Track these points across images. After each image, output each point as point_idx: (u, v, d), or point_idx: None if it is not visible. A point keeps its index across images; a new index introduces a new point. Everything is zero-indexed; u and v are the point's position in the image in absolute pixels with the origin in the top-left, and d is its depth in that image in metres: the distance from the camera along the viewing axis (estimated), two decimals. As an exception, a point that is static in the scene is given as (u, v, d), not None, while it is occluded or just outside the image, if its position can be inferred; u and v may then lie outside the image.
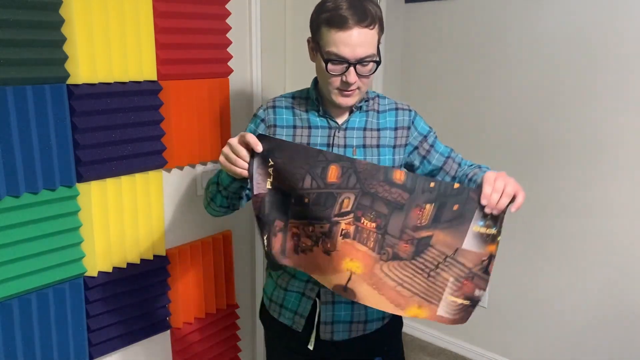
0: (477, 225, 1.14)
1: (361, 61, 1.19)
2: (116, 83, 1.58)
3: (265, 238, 1.20)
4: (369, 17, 1.17)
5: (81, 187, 1.56)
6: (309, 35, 1.30)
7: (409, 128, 1.36)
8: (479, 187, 1.14)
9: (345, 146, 1.32)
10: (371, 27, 1.18)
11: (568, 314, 2.36)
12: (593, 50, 2.14)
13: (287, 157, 1.14)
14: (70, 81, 1.49)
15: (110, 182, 1.61)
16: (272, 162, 1.15)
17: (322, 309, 1.35)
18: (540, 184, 2.36)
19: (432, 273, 1.16)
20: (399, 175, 1.14)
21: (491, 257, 1.15)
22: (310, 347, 1.36)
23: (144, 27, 1.63)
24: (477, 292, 1.16)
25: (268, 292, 1.46)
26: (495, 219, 1.13)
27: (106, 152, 1.59)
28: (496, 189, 1.12)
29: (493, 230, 1.14)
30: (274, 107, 1.37)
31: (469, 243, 1.15)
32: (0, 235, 1.40)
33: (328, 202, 1.14)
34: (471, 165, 1.38)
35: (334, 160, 1.15)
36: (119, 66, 1.58)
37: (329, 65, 1.20)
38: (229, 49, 1.92)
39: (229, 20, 1.89)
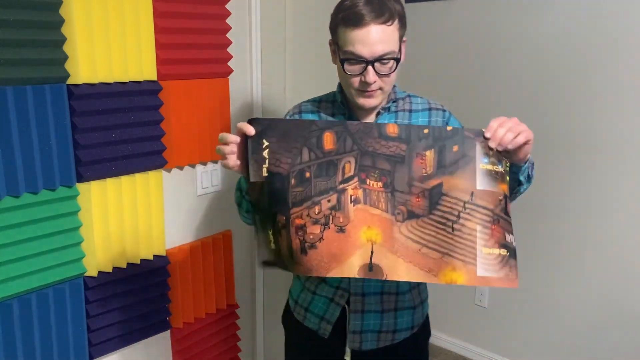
0: (482, 163, 1.10)
1: (380, 59, 1.15)
2: (116, 83, 1.58)
3: (270, 233, 1.14)
4: (386, 12, 1.13)
5: (81, 187, 1.56)
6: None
7: None
8: (475, 129, 1.14)
9: None
10: (389, 23, 1.14)
11: (568, 314, 2.36)
12: (594, 50, 2.14)
13: (280, 134, 1.12)
14: (70, 81, 1.49)
15: (110, 182, 1.61)
16: (266, 143, 1.12)
17: (352, 318, 1.33)
18: (540, 184, 2.36)
19: (455, 225, 1.09)
20: (392, 128, 1.13)
21: (506, 197, 1.11)
22: (347, 358, 1.35)
23: (144, 27, 1.63)
24: (508, 238, 1.09)
25: (294, 294, 1.43)
26: (499, 157, 1.10)
27: (106, 152, 1.59)
28: (502, 124, 1.10)
29: (500, 168, 1.10)
30: (300, 112, 1.34)
31: (482, 182, 1.10)
32: (0, 235, 1.40)
33: (330, 170, 1.12)
34: None
35: (326, 127, 1.13)
36: (119, 66, 1.58)
37: (346, 65, 1.17)
38: (229, 49, 1.92)
39: (229, 20, 1.89)
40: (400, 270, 1.10)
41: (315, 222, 1.12)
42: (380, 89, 1.21)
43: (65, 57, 1.46)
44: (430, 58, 2.61)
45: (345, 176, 1.12)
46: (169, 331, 1.93)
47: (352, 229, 1.11)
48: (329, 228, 1.11)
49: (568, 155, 2.26)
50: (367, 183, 1.12)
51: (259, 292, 2.30)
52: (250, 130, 1.10)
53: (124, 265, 1.70)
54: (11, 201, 1.41)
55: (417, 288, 1.39)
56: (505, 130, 1.09)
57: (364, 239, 1.11)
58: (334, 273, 1.11)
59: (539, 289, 2.44)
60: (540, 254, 2.41)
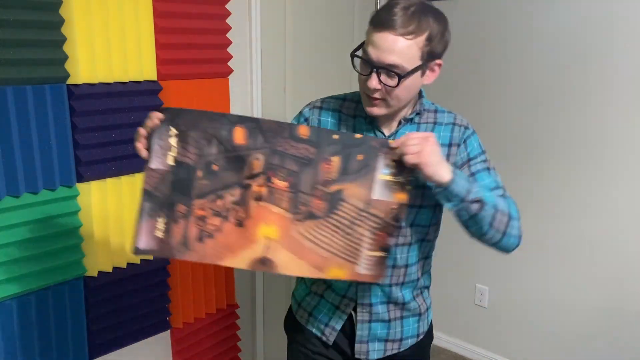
0: (382, 174, 1.14)
1: (386, 69, 1.11)
2: (116, 83, 1.58)
3: (162, 222, 1.14)
4: (412, 25, 1.08)
5: (81, 187, 1.56)
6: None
7: (459, 145, 1.24)
8: (382, 139, 1.18)
9: None
10: (410, 36, 1.09)
11: (568, 314, 2.36)
12: (594, 49, 2.14)
13: (190, 124, 1.12)
14: (70, 81, 1.49)
15: (110, 182, 1.61)
16: (175, 131, 1.12)
17: (358, 327, 1.32)
18: (540, 184, 2.36)
19: (348, 230, 1.16)
20: (304, 131, 1.15)
21: (402, 206, 1.15)
22: None
23: (144, 27, 1.63)
24: (389, 241, 1.16)
25: (298, 297, 1.42)
26: (401, 168, 1.13)
27: (106, 152, 1.59)
28: (409, 139, 1.10)
29: (400, 179, 1.14)
30: (320, 107, 1.32)
31: (378, 192, 1.15)
32: (0, 235, 1.40)
33: (238, 165, 1.13)
34: None
35: (238, 121, 1.13)
36: (119, 66, 1.58)
37: (355, 60, 1.14)
38: (229, 49, 1.92)
39: (229, 20, 1.89)
40: (291, 266, 1.16)
41: (217, 214, 1.14)
42: (384, 100, 1.16)
43: (65, 57, 1.46)
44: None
45: (253, 172, 1.14)
46: (169, 331, 1.93)
47: (250, 224, 1.14)
48: (229, 221, 1.14)
49: (569, 154, 2.26)
50: (273, 182, 1.14)
51: (259, 292, 2.30)
52: (158, 116, 1.10)
53: (124, 265, 1.70)
54: (11, 201, 1.41)
55: (421, 295, 1.37)
56: (411, 146, 1.09)
57: (260, 235, 1.14)
58: (227, 262, 1.16)
59: (539, 289, 2.44)
60: (540, 254, 2.41)
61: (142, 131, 1.12)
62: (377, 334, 1.33)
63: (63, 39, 1.44)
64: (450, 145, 1.24)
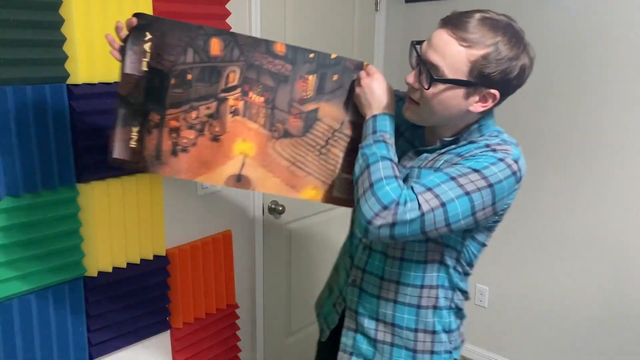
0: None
1: (427, 67, 1.03)
2: (116, 83, 1.58)
3: (135, 131, 1.13)
4: (475, 34, 0.98)
5: (81, 187, 1.55)
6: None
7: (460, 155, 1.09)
8: (357, 61, 1.16)
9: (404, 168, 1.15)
10: (465, 44, 0.99)
11: (568, 314, 2.36)
12: (594, 50, 2.14)
13: (166, 30, 1.11)
14: (70, 81, 1.48)
15: (110, 182, 1.61)
16: (149, 36, 1.11)
17: (343, 333, 1.27)
18: (541, 183, 2.36)
19: (323, 150, 1.17)
20: (280, 47, 1.15)
21: None
22: None
23: (144, 27, 1.63)
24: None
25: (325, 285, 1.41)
26: None
27: (106, 152, 1.58)
28: (374, 71, 1.12)
29: None
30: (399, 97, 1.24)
31: (353, 113, 1.16)
32: (0, 236, 1.40)
33: (213, 77, 1.12)
34: None
35: (214, 33, 1.13)
36: (119, 65, 1.58)
37: (410, 50, 1.07)
38: (229, 49, 1.91)
39: (229, 20, 1.89)
40: (266, 183, 1.16)
41: (191, 127, 1.14)
42: (418, 105, 1.08)
43: (65, 57, 1.46)
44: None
45: (229, 85, 1.14)
46: (169, 331, 1.93)
47: (226, 139, 1.14)
48: (204, 135, 1.14)
49: (569, 154, 2.26)
50: (249, 96, 1.14)
51: (259, 292, 2.30)
52: (133, 21, 1.09)
53: (124, 265, 1.70)
54: (11, 201, 1.41)
55: (430, 333, 1.19)
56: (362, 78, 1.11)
57: (236, 151, 1.15)
58: (203, 179, 1.15)
59: (538, 289, 2.44)
60: (540, 253, 2.41)
61: (117, 34, 1.10)
62: (363, 351, 1.23)
63: (63, 39, 1.44)
64: (460, 155, 1.09)
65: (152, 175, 1.73)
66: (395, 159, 1.07)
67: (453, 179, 1.01)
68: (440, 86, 1.02)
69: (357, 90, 1.13)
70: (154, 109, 1.13)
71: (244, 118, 1.14)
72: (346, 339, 1.27)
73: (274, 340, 2.45)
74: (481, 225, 1.11)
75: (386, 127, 1.08)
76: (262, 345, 2.38)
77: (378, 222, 0.98)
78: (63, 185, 1.51)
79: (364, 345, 1.24)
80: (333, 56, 1.16)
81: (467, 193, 1.00)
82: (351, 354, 1.26)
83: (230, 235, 2.07)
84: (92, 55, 1.50)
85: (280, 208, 2.26)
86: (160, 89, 1.12)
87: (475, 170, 1.02)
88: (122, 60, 1.12)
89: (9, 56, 1.35)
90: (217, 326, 2.07)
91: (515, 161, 1.08)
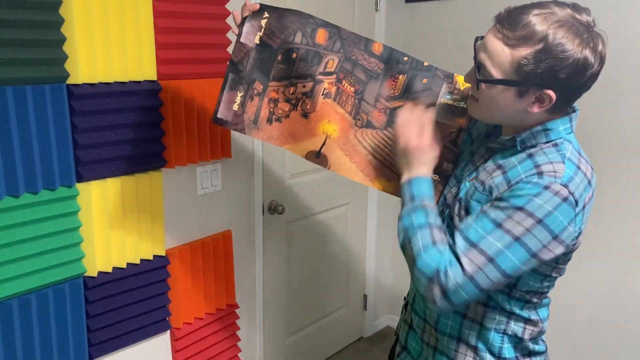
0: (444, 98, 1.20)
1: (476, 63, 1.00)
2: (116, 83, 1.58)
3: (240, 96, 1.24)
4: (522, 31, 0.92)
5: (81, 187, 1.56)
6: None
7: (510, 184, 1.00)
8: (448, 72, 1.19)
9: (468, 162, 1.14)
10: (511, 42, 0.94)
11: (569, 313, 2.36)
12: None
13: (282, 13, 1.22)
14: (70, 81, 1.49)
15: (110, 182, 1.61)
16: (267, 15, 1.22)
17: (402, 327, 1.29)
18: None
19: None
20: (377, 47, 1.23)
21: (460, 130, 1.19)
22: None
23: (144, 27, 1.63)
24: (445, 165, 1.19)
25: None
26: (464, 96, 1.18)
27: (106, 152, 1.59)
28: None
29: (462, 104, 1.19)
30: None
31: (438, 114, 1.19)
32: (0, 235, 1.40)
33: (314, 59, 1.22)
34: None
35: (322, 24, 1.23)
36: (119, 66, 1.58)
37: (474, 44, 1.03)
38: (229, 49, 1.92)
39: (229, 20, 1.89)
40: (342, 166, 1.24)
41: (287, 100, 1.25)
42: (477, 100, 1.04)
43: (65, 57, 1.46)
44: (431, 58, 2.61)
45: (327, 70, 1.23)
46: (168, 331, 1.93)
47: (314, 117, 1.24)
48: (296, 110, 1.25)
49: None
50: (342, 84, 1.23)
51: (259, 292, 2.30)
52: (255, 6, 1.22)
53: (124, 265, 1.70)
54: (11, 201, 1.41)
55: (474, 352, 1.11)
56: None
57: (321, 130, 1.24)
58: (288, 147, 1.26)
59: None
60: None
61: (242, 12, 1.24)
62: (411, 348, 1.24)
63: (63, 39, 1.44)
64: (509, 182, 1.00)
65: (152, 175, 1.73)
66: (438, 221, 1.04)
67: (500, 226, 0.95)
68: (491, 85, 0.99)
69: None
70: (259, 79, 1.25)
71: (334, 102, 1.23)
72: (403, 332, 1.30)
73: (273, 340, 2.45)
74: (560, 260, 1.08)
75: (423, 191, 1.06)
76: (262, 345, 2.38)
77: (431, 295, 0.97)
78: (63, 185, 1.51)
79: (414, 342, 1.25)
80: (425, 64, 1.22)
81: (517, 238, 0.94)
82: (404, 347, 1.28)
83: (230, 235, 2.07)
84: (92, 56, 1.50)
85: (280, 208, 2.26)
86: (267, 62, 1.24)
87: (519, 209, 0.94)
88: (239, 31, 1.23)
89: (9, 56, 1.35)
90: (217, 326, 2.07)
91: (565, 185, 0.96)
